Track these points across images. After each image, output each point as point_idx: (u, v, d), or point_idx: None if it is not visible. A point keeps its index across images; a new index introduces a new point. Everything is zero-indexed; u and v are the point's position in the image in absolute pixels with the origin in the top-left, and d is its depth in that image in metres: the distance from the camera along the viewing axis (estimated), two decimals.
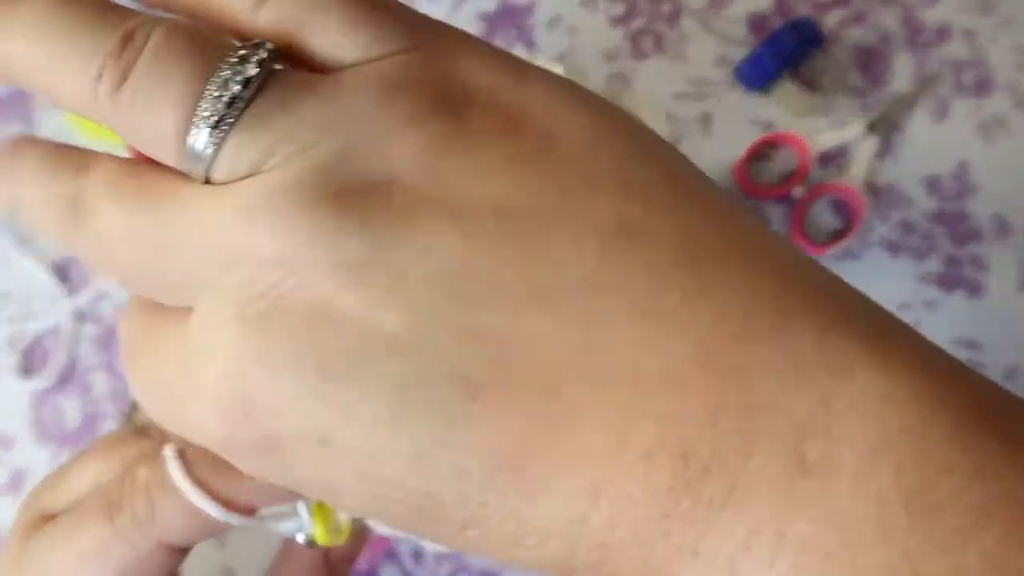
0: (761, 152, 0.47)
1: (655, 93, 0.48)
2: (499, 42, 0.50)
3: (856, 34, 0.49)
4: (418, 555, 0.42)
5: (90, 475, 0.25)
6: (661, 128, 0.41)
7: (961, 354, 0.43)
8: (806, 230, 0.45)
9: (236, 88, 0.16)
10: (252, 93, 0.16)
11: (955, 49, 0.48)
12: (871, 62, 0.48)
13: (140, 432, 0.26)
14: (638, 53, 0.49)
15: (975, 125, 0.47)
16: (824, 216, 0.46)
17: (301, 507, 0.25)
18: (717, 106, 0.48)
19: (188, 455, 0.23)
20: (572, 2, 0.50)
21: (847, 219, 0.46)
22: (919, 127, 0.47)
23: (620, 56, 0.49)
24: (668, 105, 0.48)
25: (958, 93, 0.47)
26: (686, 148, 0.47)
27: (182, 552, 0.24)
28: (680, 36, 0.49)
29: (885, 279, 0.44)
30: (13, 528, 0.25)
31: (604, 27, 0.50)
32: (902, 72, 0.48)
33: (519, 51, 0.50)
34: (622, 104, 0.35)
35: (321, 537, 0.25)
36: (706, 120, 0.48)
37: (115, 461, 0.25)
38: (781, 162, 0.47)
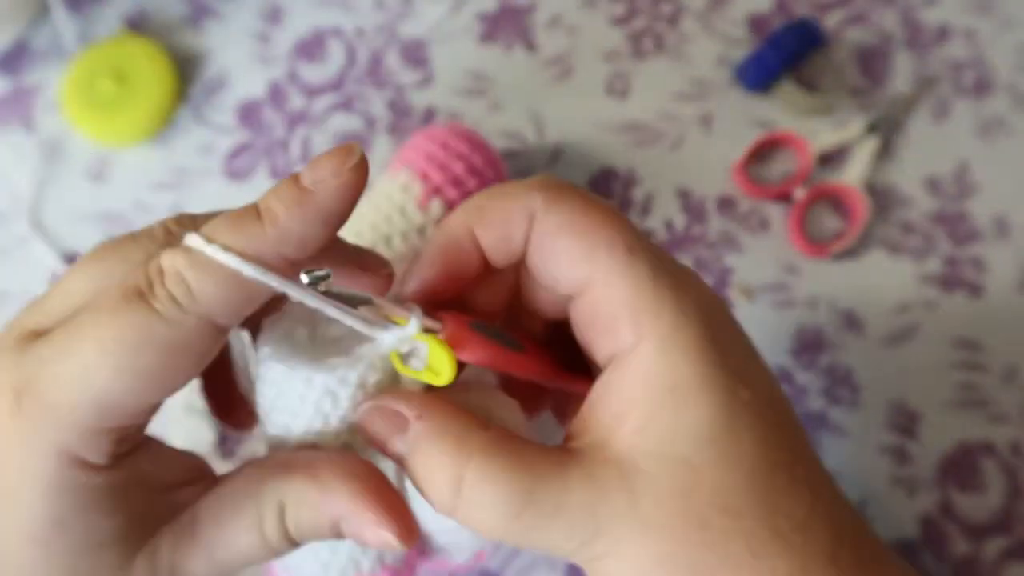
0: (761, 152, 0.47)
1: (655, 93, 0.48)
2: (499, 42, 0.50)
3: (856, 34, 0.49)
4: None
5: (83, 285, 0.23)
6: None
7: (961, 355, 0.43)
8: (806, 230, 0.45)
9: None
10: None
11: (955, 50, 0.48)
12: (871, 62, 0.48)
13: (133, 238, 0.24)
14: (638, 53, 0.49)
15: (975, 125, 0.47)
16: (824, 216, 0.46)
17: (415, 320, 0.23)
18: (717, 106, 0.48)
19: (208, 233, 0.22)
20: (572, 2, 0.50)
21: (847, 219, 0.46)
22: (919, 127, 0.47)
23: (620, 56, 0.49)
24: (669, 105, 0.48)
25: (958, 94, 0.47)
26: (686, 148, 0.47)
27: (223, 333, 0.23)
28: (680, 36, 0.49)
29: (885, 279, 0.44)
30: None
31: (604, 27, 0.50)
32: (902, 72, 0.48)
33: (519, 51, 0.50)
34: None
35: (434, 359, 0.23)
36: (706, 120, 0.48)
37: (115, 264, 0.24)
38: (781, 162, 0.47)
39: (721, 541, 0.21)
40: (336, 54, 0.51)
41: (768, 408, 0.22)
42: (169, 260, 0.22)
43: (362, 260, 0.26)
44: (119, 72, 0.50)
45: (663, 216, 0.46)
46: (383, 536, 0.24)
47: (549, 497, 0.22)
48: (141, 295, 0.22)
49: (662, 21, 0.50)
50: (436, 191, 0.41)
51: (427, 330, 0.24)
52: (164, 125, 0.50)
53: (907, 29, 0.49)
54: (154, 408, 0.24)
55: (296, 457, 0.25)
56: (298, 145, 0.49)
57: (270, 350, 0.25)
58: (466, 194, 0.41)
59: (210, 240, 0.22)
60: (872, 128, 0.46)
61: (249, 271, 0.22)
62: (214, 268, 0.22)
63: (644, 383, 0.22)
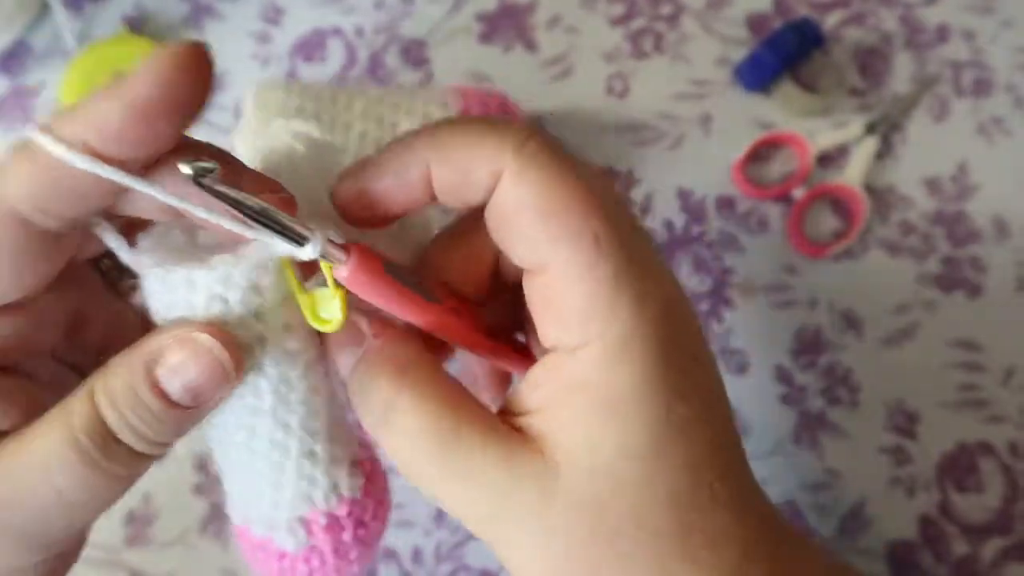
0: (761, 152, 0.47)
1: (655, 93, 0.48)
2: (499, 42, 0.50)
3: (856, 35, 0.49)
4: (417, 554, 0.42)
5: None
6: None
7: (960, 355, 0.43)
8: (806, 230, 0.45)
9: None
10: None
11: (955, 50, 0.48)
12: (871, 63, 0.48)
13: None
14: (638, 53, 0.49)
15: (974, 126, 0.47)
16: (824, 216, 0.46)
17: (317, 237, 0.21)
18: (717, 106, 0.48)
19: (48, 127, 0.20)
20: (572, 2, 0.50)
21: (847, 220, 0.46)
22: (919, 128, 0.47)
23: (620, 56, 0.49)
24: (668, 105, 0.48)
25: (958, 94, 0.47)
26: (686, 148, 0.47)
27: (51, 236, 0.21)
28: (680, 36, 0.49)
29: (884, 279, 0.44)
30: None
31: (604, 27, 0.50)
32: (902, 73, 0.48)
33: (519, 51, 0.50)
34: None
35: (323, 300, 0.22)
36: (706, 120, 0.48)
37: None
38: (781, 162, 0.47)
39: (630, 557, 0.21)
40: (336, 54, 0.51)
41: (702, 423, 0.22)
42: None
43: (259, 181, 0.22)
44: (119, 72, 0.50)
45: (663, 216, 0.46)
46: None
47: (467, 459, 0.22)
48: None
49: (662, 21, 0.50)
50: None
51: (327, 257, 0.22)
52: None
53: (907, 29, 0.49)
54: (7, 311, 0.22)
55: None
56: None
57: (147, 259, 0.23)
58: None
59: (36, 127, 0.20)
60: (871, 128, 0.46)
61: (59, 151, 0.20)
62: (24, 160, 0.20)
63: (582, 389, 0.22)
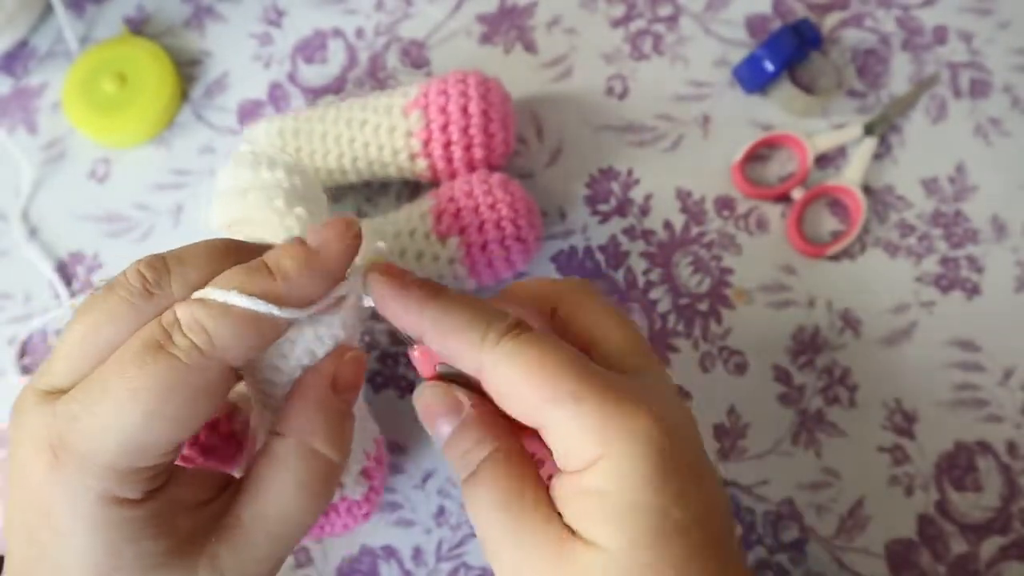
0: (760, 153, 0.47)
1: (654, 94, 0.48)
2: (499, 43, 0.50)
3: (854, 36, 0.49)
4: (418, 553, 0.42)
5: (81, 346, 0.25)
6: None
7: (958, 355, 0.43)
8: (804, 231, 0.46)
9: None
10: None
11: (952, 51, 0.48)
12: (869, 64, 0.48)
13: (111, 289, 0.26)
14: (638, 54, 0.49)
15: (972, 127, 0.47)
16: (822, 217, 0.46)
17: (355, 276, 0.28)
18: (716, 107, 0.48)
19: (221, 282, 0.25)
20: (572, 3, 0.51)
21: (845, 220, 0.46)
22: (916, 128, 0.47)
23: (620, 57, 0.49)
24: (668, 106, 0.48)
25: (955, 95, 0.47)
26: (686, 148, 0.47)
27: (236, 373, 0.26)
28: (679, 38, 0.49)
29: (883, 280, 0.45)
30: (17, 412, 0.26)
31: (604, 28, 0.50)
32: (900, 74, 0.48)
33: (519, 52, 0.50)
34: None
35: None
36: (705, 121, 0.48)
37: (103, 323, 0.25)
38: (780, 163, 0.47)
39: None
40: (337, 55, 0.51)
41: (697, 526, 0.25)
42: (185, 311, 0.25)
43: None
44: (121, 73, 0.50)
45: (662, 216, 0.46)
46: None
47: (529, 534, 0.26)
48: (160, 347, 0.24)
49: (661, 23, 0.50)
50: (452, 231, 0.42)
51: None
52: (165, 126, 0.50)
53: (905, 31, 0.49)
54: (180, 447, 0.27)
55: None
56: None
57: None
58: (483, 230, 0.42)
59: (229, 289, 0.25)
60: (870, 129, 0.46)
61: (269, 310, 0.25)
62: (231, 315, 0.25)
63: (597, 496, 0.25)
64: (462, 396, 0.28)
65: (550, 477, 0.27)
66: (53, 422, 0.24)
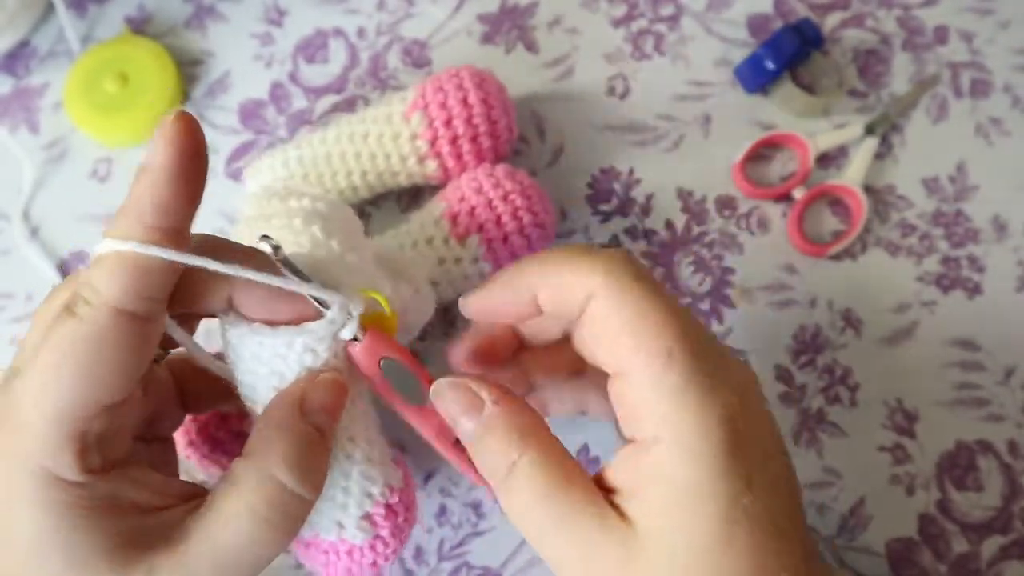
0: (761, 153, 0.47)
1: (655, 93, 0.48)
2: (500, 43, 0.50)
3: (855, 36, 0.49)
4: (419, 553, 0.42)
5: (39, 327, 0.26)
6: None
7: (959, 354, 0.43)
8: (805, 230, 0.46)
9: None
10: None
11: (953, 51, 0.48)
12: (870, 63, 0.48)
13: (72, 278, 0.27)
14: (639, 54, 0.49)
15: (973, 126, 0.47)
16: (823, 216, 0.46)
17: (337, 308, 0.27)
18: (717, 107, 0.48)
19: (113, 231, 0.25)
20: (573, 3, 0.51)
21: (846, 220, 0.46)
22: (917, 128, 0.47)
23: (621, 57, 0.49)
24: (669, 105, 0.48)
25: (956, 95, 0.48)
26: (686, 148, 0.47)
27: (143, 321, 0.25)
28: (680, 37, 0.50)
29: (884, 279, 0.45)
30: None
31: (605, 28, 0.50)
32: (901, 74, 0.48)
33: (520, 52, 0.50)
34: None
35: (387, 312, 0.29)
36: (706, 120, 0.48)
37: (56, 303, 0.26)
38: (781, 163, 0.47)
39: None
40: (338, 55, 0.51)
41: (769, 513, 0.24)
42: (83, 272, 0.25)
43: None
44: (122, 73, 0.50)
45: (663, 216, 0.46)
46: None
47: (571, 517, 0.25)
48: (67, 309, 0.24)
49: (662, 22, 0.50)
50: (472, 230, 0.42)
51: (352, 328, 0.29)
52: None
53: (906, 30, 0.49)
54: (107, 408, 0.25)
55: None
56: None
57: (234, 330, 0.29)
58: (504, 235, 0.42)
59: (104, 237, 0.24)
60: (871, 129, 0.46)
61: (127, 247, 0.24)
62: (107, 261, 0.24)
63: (657, 481, 0.25)
64: (484, 392, 0.28)
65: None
66: (4, 400, 0.25)
